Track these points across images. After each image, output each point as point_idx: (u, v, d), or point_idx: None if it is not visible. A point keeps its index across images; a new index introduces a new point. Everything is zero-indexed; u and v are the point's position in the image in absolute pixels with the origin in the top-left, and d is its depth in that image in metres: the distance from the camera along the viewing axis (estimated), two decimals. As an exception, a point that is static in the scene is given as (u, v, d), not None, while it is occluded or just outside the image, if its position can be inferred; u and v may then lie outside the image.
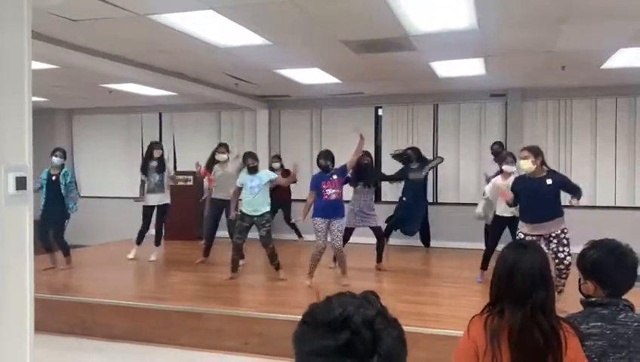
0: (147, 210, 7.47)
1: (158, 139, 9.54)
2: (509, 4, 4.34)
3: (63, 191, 6.72)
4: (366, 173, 6.77)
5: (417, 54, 5.96)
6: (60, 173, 6.77)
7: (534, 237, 4.80)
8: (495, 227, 6.18)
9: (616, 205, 8.36)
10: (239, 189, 6.40)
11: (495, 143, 7.74)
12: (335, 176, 5.97)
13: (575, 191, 5.00)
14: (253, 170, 6.30)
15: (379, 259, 6.83)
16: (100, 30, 5.02)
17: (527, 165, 4.89)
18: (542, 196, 4.84)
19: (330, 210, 5.87)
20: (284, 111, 10.00)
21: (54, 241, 6.88)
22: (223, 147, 7.43)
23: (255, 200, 6.19)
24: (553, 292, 1.89)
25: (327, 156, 6.08)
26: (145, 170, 7.43)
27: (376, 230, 6.81)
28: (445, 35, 5.12)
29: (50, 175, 6.78)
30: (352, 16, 4.64)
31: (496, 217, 6.17)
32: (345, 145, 6.92)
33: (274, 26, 4.98)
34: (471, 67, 6.76)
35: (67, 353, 4.72)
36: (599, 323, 1.93)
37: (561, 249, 4.86)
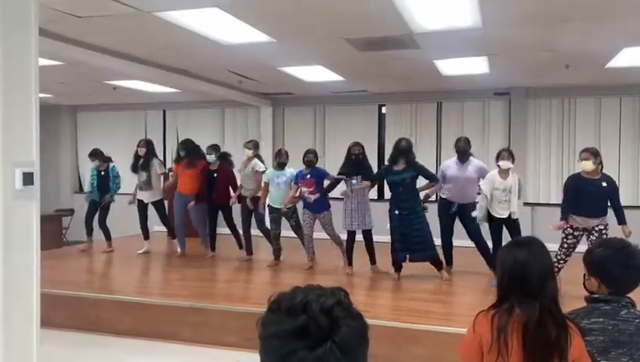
0: (139, 206, 7.67)
1: (156, 138, 9.60)
2: (513, 2, 4.34)
3: (110, 182, 7.74)
4: (355, 166, 6.25)
5: (421, 52, 5.97)
6: (107, 168, 7.79)
7: (580, 231, 5.29)
8: (494, 229, 5.93)
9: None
10: (267, 185, 6.78)
11: (462, 140, 6.34)
12: (309, 176, 6.43)
13: (618, 210, 5.41)
14: (281, 166, 6.72)
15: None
16: (105, 27, 5.05)
17: (588, 166, 5.24)
18: (597, 196, 5.28)
19: (311, 205, 6.40)
20: (287, 108, 10.02)
21: (99, 227, 7.78)
22: (250, 143, 7.21)
23: (281, 195, 6.65)
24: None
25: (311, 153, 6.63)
26: (135, 168, 7.57)
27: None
28: (449, 33, 5.13)
29: (98, 171, 7.80)
30: (356, 14, 4.65)
31: (492, 219, 5.89)
32: (348, 143, 6.87)
33: (278, 24, 5.00)
34: (474, 65, 6.76)
35: (72, 348, 4.75)
36: (601, 319, 1.95)
37: None
